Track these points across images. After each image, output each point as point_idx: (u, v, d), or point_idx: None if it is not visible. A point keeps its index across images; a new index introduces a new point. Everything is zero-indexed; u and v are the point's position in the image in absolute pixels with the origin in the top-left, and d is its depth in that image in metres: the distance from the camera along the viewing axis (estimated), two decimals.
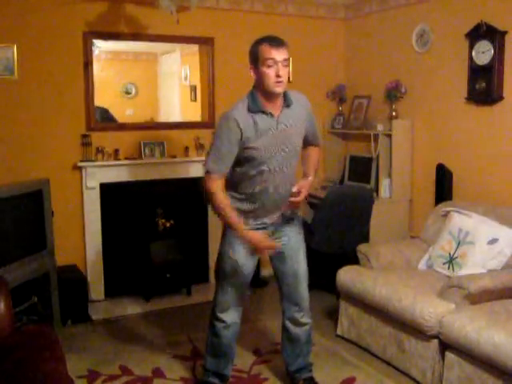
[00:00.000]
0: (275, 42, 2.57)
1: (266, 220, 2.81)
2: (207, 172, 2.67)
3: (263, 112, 2.64)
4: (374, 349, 3.47)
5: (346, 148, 5.41)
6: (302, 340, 3.02)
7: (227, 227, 2.83)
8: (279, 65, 2.55)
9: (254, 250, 2.73)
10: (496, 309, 2.94)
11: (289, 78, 2.69)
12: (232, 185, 2.78)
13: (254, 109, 2.63)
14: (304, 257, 2.96)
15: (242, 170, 2.72)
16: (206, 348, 3.06)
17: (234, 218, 2.69)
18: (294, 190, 2.79)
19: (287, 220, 2.88)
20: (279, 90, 2.60)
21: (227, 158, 2.65)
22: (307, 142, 2.90)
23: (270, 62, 2.54)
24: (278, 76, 2.55)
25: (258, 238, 2.70)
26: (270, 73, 2.55)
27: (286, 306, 2.99)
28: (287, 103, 2.69)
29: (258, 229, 2.78)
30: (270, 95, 2.62)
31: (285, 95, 2.69)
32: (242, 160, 2.68)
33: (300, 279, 2.93)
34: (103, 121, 4.70)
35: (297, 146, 2.77)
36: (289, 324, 3.01)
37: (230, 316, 2.92)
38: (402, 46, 4.69)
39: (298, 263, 2.92)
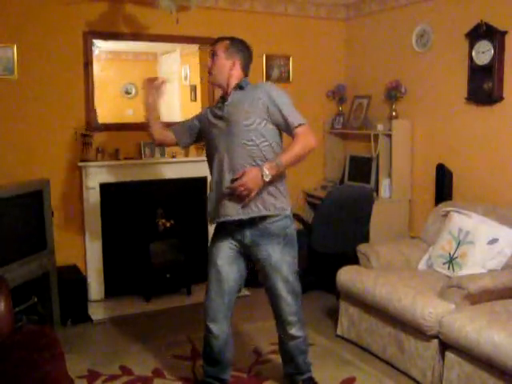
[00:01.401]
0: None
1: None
2: (305, 124, 2.65)
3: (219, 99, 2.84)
4: (374, 349, 3.47)
5: (345, 148, 5.41)
6: (295, 352, 2.94)
7: (214, 232, 2.88)
8: (208, 58, 2.81)
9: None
10: (496, 309, 2.94)
11: (210, 71, 2.80)
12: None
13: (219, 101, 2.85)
14: (289, 273, 2.79)
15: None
16: (202, 354, 3.03)
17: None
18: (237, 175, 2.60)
19: (263, 232, 2.72)
20: (209, 80, 2.87)
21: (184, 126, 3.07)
22: (285, 131, 2.72)
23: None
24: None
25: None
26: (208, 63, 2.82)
27: (276, 318, 2.94)
28: (238, 87, 2.76)
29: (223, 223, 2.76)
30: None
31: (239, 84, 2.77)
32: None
33: (281, 296, 2.80)
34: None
35: (242, 129, 2.64)
36: (279, 334, 2.97)
37: (218, 326, 2.85)
38: (402, 46, 4.69)
39: (279, 281, 2.78)
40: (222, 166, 2.70)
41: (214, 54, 2.76)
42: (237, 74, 2.76)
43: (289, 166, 2.67)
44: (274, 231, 2.74)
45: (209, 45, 2.87)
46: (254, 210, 2.68)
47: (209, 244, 2.93)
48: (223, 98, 2.78)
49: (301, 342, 2.93)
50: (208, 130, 2.82)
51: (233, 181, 2.61)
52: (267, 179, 2.58)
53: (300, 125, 2.64)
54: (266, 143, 2.66)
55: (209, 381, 3.00)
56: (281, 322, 2.90)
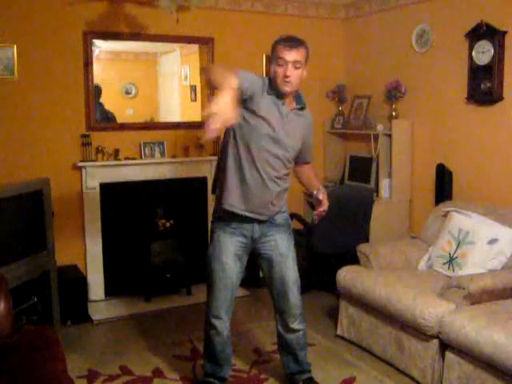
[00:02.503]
0: (290, 42, 2.64)
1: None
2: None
3: (278, 97, 2.68)
4: (374, 349, 3.47)
5: (345, 148, 5.41)
6: (296, 346, 2.99)
7: (216, 228, 2.85)
8: (289, 65, 2.61)
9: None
10: (496, 309, 2.94)
11: (289, 79, 2.64)
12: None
13: (270, 91, 2.68)
14: (294, 263, 2.91)
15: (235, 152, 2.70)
16: (203, 352, 3.07)
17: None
18: (320, 196, 2.83)
19: (271, 223, 2.83)
20: (286, 89, 2.65)
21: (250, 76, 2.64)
22: (300, 158, 2.90)
23: (280, 62, 2.62)
24: (285, 76, 2.60)
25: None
26: (279, 71, 2.63)
27: (277, 312, 2.97)
28: (300, 106, 2.77)
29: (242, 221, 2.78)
30: (279, 94, 2.68)
31: (298, 99, 2.76)
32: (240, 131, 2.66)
33: (288, 286, 2.88)
34: (106, 120, 4.71)
35: (289, 149, 2.75)
36: (280, 329, 2.99)
37: (221, 323, 2.89)
38: (402, 46, 4.69)
39: (287, 269, 2.87)
40: (255, 163, 2.68)
41: (299, 64, 2.63)
42: None
43: None
44: (280, 222, 2.87)
45: (289, 48, 2.62)
46: (276, 208, 2.81)
47: (210, 240, 2.92)
48: (282, 101, 2.70)
49: (301, 336, 2.98)
50: (261, 120, 2.66)
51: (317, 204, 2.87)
52: None
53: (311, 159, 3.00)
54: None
55: (209, 380, 3.01)
56: (284, 316, 2.93)
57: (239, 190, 2.72)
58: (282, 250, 2.86)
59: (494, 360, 2.64)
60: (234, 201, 2.73)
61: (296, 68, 2.62)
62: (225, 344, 2.95)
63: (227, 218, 2.80)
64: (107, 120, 4.70)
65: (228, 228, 2.81)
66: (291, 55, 2.61)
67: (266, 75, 4.86)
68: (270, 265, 2.88)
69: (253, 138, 2.65)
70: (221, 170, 2.83)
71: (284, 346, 3.02)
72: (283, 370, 3.12)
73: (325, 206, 2.83)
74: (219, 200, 2.83)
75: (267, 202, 2.75)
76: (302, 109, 2.78)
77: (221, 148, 2.90)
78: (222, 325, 2.89)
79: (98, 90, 4.56)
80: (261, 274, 4.69)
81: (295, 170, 2.96)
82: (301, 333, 2.98)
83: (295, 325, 2.94)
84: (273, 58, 2.67)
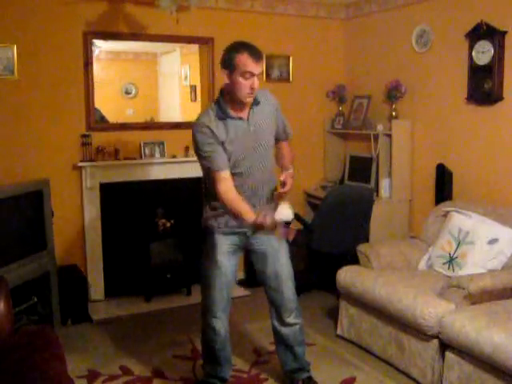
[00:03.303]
0: (256, 54, 2.59)
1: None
2: (214, 173, 2.65)
3: (232, 118, 2.68)
4: (374, 349, 3.47)
5: (345, 148, 5.41)
6: (293, 341, 2.98)
7: (210, 228, 2.84)
8: (255, 78, 2.59)
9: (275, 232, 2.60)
10: (496, 309, 2.93)
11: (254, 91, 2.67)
12: (210, 193, 2.79)
13: (223, 116, 2.67)
14: (287, 257, 2.92)
15: None
16: (202, 354, 3.07)
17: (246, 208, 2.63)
18: (282, 178, 2.72)
19: None
20: (250, 100, 2.67)
21: (218, 156, 2.65)
22: (278, 138, 2.91)
23: (247, 75, 2.57)
24: (252, 88, 2.59)
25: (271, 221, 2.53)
26: (246, 84, 2.58)
27: (272, 307, 2.97)
28: (255, 102, 2.73)
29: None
30: (239, 103, 2.67)
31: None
32: None
33: (282, 279, 2.89)
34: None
35: (269, 142, 2.81)
36: (276, 324, 2.99)
37: (220, 322, 2.90)
38: (402, 45, 4.69)
39: (280, 263, 2.89)
40: (244, 182, 2.76)
41: (259, 76, 2.66)
42: None
43: None
44: None
45: (256, 61, 2.59)
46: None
47: (205, 242, 2.92)
48: (238, 117, 2.70)
49: (297, 331, 2.98)
50: (228, 147, 2.70)
51: (279, 185, 2.75)
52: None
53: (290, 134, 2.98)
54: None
55: (211, 381, 3.01)
56: (279, 310, 2.94)
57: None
58: (274, 243, 2.85)
59: (494, 360, 2.64)
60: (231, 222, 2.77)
61: (258, 79, 2.62)
62: (224, 343, 2.95)
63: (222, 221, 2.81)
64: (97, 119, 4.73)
65: (223, 229, 2.82)
66: (258, 68, 2.59)
67: (267, 78, 4.87)
68: (264, 259, 2.89)
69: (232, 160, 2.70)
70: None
71: (281, 342, 3.02)
72: (282, 369, 3.11)
73: (286, 188, 2.70)
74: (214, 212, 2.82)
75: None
76: (257, 103, 2.73)
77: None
78: (221, 324, 2.90)
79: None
80: None
81: (276, 149, 2.94)
82: (297, 327, 2.98)
83: (291, 319, 2.94)
84: (235, 69, 2.57)
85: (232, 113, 2.68)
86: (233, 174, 2.70)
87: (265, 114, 2.77)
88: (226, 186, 2.65)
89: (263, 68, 2.63)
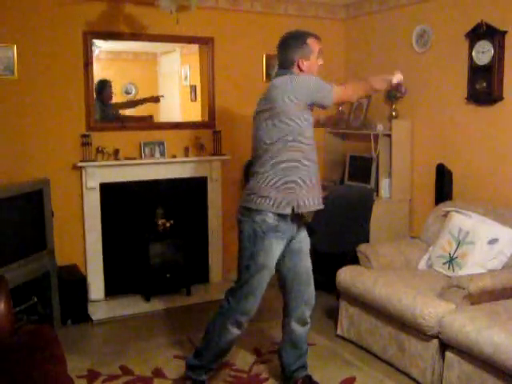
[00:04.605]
0: (316, 34, 2.92)
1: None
2: (333, 89, 2.82)
3: None
4: (374, 349, 3.47)
5: (345, 148, 5.41)
6: (303, 340, 3.05)
7: (266, 231, 2.74)
8: (321, 56, 2.93)
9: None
10: (496, 309, 2.94)
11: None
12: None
13: None
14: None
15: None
16: (206, 347, 3.00)
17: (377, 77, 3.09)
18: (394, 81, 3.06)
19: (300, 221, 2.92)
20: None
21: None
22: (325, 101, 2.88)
23: (320, 54, 2.91)
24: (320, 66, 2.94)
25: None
26: (319, 62, 2.93)
27: (295, 305, 2.97)
28: None
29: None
30: None
31: None
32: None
33: (311, 275, 2.99)
34: (109, 119, 4.71)
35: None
36: (295, 325, 2.99)
37: (248, 321, 2.94)
38: (402, 46, 4.69)
39: (309, 261, 3.00)
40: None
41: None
42: None
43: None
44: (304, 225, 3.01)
45: (319, 42, 2.93)
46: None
47: (254, 247, 2.78)
48: None
49: (308, 330, 3.07)
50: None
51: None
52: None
53: None
54: None
55: (199, 379, 3.02)
56: (304, 308, 2.97)
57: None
58: (307, 240, 2.99)
59: (494, 360, 2.64)
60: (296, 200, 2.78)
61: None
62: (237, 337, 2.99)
63: (278, 222, 2.77)
64: (110, 115, 4.73)
65: (279, 234, 2.78)
66: (320, 46, 2.93)
67: (267, 78, 4.86)
68: (299, 256, 2.93)
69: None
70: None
71: (291, 341, 3.03)
72: (282, 368, 3.11)
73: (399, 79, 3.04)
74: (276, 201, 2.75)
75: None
76: None
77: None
78: (246, 324, 2.94)
79: (102, 85, 4.58)
80: None
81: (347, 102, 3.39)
82: (308, 326, 3.06)
83: (308, 318, 3.02)
84: (309, 52, 2.85)
85: None
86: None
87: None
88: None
89: None
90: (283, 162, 2.72)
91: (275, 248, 2.80)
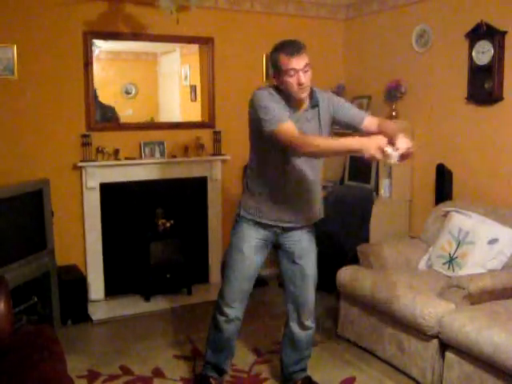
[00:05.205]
0: (292, 49, 2.53)
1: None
2: (274, 127, 2.48)
3: (287, 102, 2.63)
4: (374, 349, 3.47)
5: None
6: (304, 344, 3.00)
7: (240, 218, 2.83)
8: (300, 73, 2.53)
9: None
10: (496, 309, 2.94)
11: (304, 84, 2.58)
12: (254, 178, 2.82)
13: (280, 100, 2.61)
14: (315, 261, 2.94)
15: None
16: (207, 341, 3.05)
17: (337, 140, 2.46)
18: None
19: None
20: (303, 95, 2.61)
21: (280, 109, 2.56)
22: (355, 123, 2.78)
23: (291, 73, 2.53)
24: (300, 84, 2.54)
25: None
26: (292, 81, 2.54)
27: (292, 308, 2.97)
28: (312, 104, 2.69)
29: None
30: (294, 99, 2.63)
31: (312, 95, 2.69)
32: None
33: (308, 281, 2.91)
34: (107, 120, 4.69)
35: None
36: (294, 327, 2.98)
37: (234, 311, 2.91)
38: (402, 46, 4.69)
39: (307, 265, 2.90)
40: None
41: (307, 67, 2.56)
42: None
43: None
44: (309, 228, 2.93)
45: (296, 53, 2.53)
46: (316, 216, 2.90)
47: (232, 230, 2.91)
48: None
49: (310, 335, 3.01)
50: None
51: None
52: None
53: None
54: None
55: (208, 373, 3.02)
56: (300, 312, 2.94)
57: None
58: (305, 244, 2.88)
59: (494, 360, 2.64)
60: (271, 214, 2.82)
61: (306, 72, 2.55)
62: (232, 334, 2.96)
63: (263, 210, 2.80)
64: (108, 117, 4.71)
65: (255, 221, 2.82)
66: (299, 63, 2.52)
67: (267, 78, 4.83)
68: (292, 259, 2.89)
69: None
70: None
71: (291, 345, 3.01)
72: (282, 369, 3.11)
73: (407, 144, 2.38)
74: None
75: None
76: (315, 106, 2.69)
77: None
78: (233, 313, 2.90)
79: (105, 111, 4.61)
80: (261, 274, 4.75)
81: (369, 129, 2.74)
82: (311, 331, 3.00)
83: (309, 322, 2.96)
84: (279, 70, 2.56)
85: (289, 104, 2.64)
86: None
87: (317, 115, 2.71)
88: (294, 129, 2.49)
89: (307, 60, 2.56)
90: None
91: (247, 233, 2.82)
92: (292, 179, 2.72)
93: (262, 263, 2.93)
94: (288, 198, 2.75)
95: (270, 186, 2.75)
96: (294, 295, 2.94)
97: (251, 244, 2.82)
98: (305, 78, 2.54)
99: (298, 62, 2.52)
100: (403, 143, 2.34)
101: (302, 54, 2.54)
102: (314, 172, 2.78)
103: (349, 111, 2.80)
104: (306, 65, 2.55)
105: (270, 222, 2.79)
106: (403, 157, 2.36)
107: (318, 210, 2.91)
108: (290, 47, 2.54)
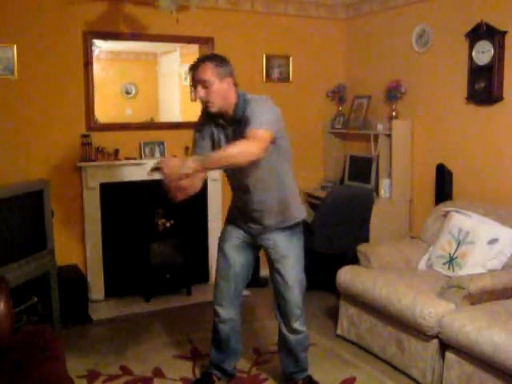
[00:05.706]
0: (194, 63, 2.57)
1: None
2: (261, 130, 2.43)
3: (221, 118, 2.68)
4: (374, 349, 3.47)
5: (345, 148, 5.41)
6: (297, 347, 2.97)
7: (226, 219, 3.01)
8: (198, 87, 2.55)
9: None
10: (496, 309, 2.94)
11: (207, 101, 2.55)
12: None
13: (214, 118, 2.75)
14: (296, 263, 2.86)
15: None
16: (210, 341, 3.12)
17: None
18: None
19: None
20: (211, 110, 2.59)
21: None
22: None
23: (193, 84, 2.58)
24: (200, 98, 2.57)
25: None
26: (195, 95, 2.60)
27: (278, 313, 2.97)
28: (237, 117, 2.59)
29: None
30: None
31: (238, 107, 2.59)
32: None
33: (288, 285, 2.85)
34: None
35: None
36: (282, 328, 2.97)
37: (225, 311, 2.95)
38: (402, 46, 4.69)
39: (287, 271, 2.84)
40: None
41: (207, 83, 2.51)
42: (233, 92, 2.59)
43: (217, 165, 2.53)
44: (287, 229, 2.87)
45: (193, 66, 2.57)
46: (291, 217, 2.85)
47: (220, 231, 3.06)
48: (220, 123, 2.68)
49: (303, 338, 2.97)
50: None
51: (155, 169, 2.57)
52: (183, 171, 2.48)
53: (257, 128, 2.43)
54: None
55: (214, 372, 3.06)
56: (284, 315, 2.93)
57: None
58: (281, 249, 2.84)
59: (494, 360, 2.64)
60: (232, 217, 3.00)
61: (205, 87, 2.51)
62: (230, 334, 2.99)
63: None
64: None
65: (232, 222, 2.95)
66: (196, 75, 2.54)
67: (267, 78, 4.82)
68: (272, 263, 2.90)
69: None
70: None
71: (285, 347, 3.01)
72: (282, 370, 3.12)
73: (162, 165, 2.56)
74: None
75: None
76: (240, 119, 2.57)
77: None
78: (225, 313, 2.95)
79: None
80: (260, 274, 4.76)
81: None
82: (302, 335, 2.95)
83: (297, 325, 2.92)
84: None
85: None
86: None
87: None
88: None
89: (207, 76, 2.50)
90: None
91: (229, 233, 2.93)
92: (251, 188, 2.72)
93: (249, 264, 2.97)
94: (249, 207, 2.78)
95: (235, 193, 2.90)
96: (279, 300, 2.94)
97: (232, 243, 2.90)
98: (202, 93, 2.53)
99: (195, 75, 2.55)
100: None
101: (197, 68, 2.54)
102: (271, 176, 2.70)
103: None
104: (203, 81, 2.52)
105: (241, 224, 2.88)
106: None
107: (295, 211, 2.84)
108: (196, 60, 2.60)
